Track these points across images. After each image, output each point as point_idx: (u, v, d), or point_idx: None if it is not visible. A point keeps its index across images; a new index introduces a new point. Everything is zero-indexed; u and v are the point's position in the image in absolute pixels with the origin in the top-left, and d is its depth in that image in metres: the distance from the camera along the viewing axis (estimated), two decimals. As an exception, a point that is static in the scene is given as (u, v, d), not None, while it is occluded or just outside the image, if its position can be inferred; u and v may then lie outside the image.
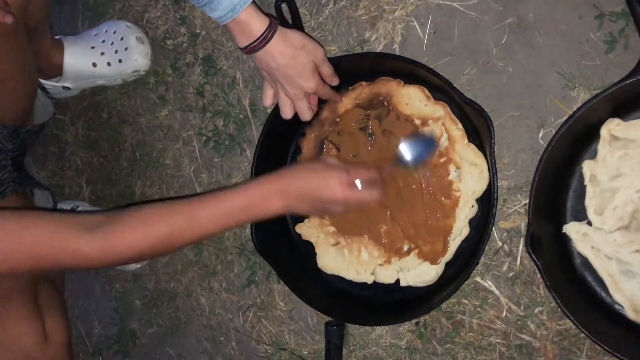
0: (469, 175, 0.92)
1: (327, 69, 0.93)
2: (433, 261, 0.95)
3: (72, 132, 1.36)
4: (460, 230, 0.94)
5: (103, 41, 1.22)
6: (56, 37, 1.22)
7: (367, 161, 0.98)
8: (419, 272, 0.96)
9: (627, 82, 0.80)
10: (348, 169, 0.87)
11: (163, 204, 0.84)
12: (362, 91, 1.00)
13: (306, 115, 0.96)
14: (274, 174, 0.86)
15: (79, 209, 1.24)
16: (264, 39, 0.86)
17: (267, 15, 0.87)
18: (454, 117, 0.93)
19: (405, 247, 0.97)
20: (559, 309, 0.85)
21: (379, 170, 0.92)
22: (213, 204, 0.83)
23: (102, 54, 1.22)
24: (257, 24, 0.85)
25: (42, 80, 1.22)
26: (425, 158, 0.94)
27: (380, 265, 0.98)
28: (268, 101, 0.97)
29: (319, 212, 0.90)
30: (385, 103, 0.98)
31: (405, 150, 0.95)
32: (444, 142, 0.94)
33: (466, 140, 0.93)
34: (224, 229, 0.85)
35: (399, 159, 0.95)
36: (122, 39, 1.21)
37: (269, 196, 0.84)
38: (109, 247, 0.79)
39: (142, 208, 0.83)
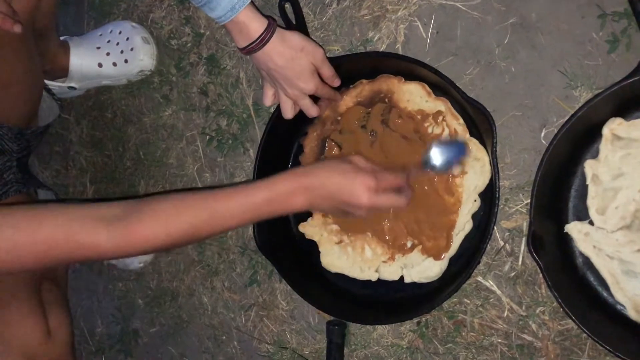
0: (471, 169, 0.92)
1: (327, 71, 0.93)
2: (437, 257, 0.95)
3: (76, 132, 1.37)
4: (463, 225, 0.94)
5: (108, 41, 1.23)
6: (61, 38, 1.23)
7: (395, 165, 0.95)
8: (423, 268, 0.96)
9: (629, 81, 0.80)
10: (377, 174, 0.84)
11: (185, 195, 0.82)
12: (363, 89, 1.00)
13: (312, 111, 0.96)
14: (300, 170, 0.85)
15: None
16: (262, 40, 0.86)
17: (266, 16, 0.87)
18: (455, 112, 0.94)
19: (409, 244, 0.97)
20: (561, 309, 0.85)
21: (406, 175, 0.90)
22: (237, 197, 0.81)
23: (108, 54, 1.22)
24: (256, 25, 0.86)
25: (47, 81, 1.23)
26: (454, 164, 0.92)
27: (384, 262, 0.98)
28: (268, 101, 0.97)
29: (340, 213, 0.87)
30: (387, 100, 0.98)
31: (436, 155, 0.92)
32: (445, 136, 0.94)
33: (468, 135, 0.93)
34: (247, 223, 0.84)
35: (426, 163, 0.92)
36: (127, 39, 1.22)
37: (294, 192, 0.82)
38: (129, 241, 0.77)
39: (163, 199, 0.81)
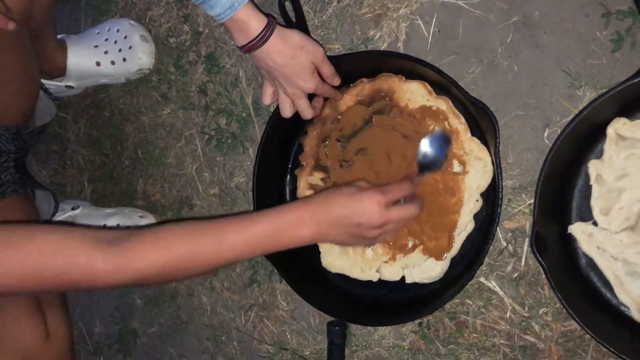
0: (473, 169, 0.92)
1: (327, 69, 0.92)
2: (438, 257, 0.94)
3: (74, 131, 1.35)
4: (465, 225, 0.93)
5: (106, 40, 1.22)
6: (59, 36, 1.22)
7: (394, 178, 0.95)
8: (424, 269, 0.95)
9: (634, 81, 0.79)
10: (382, 189, 0.83)
11: (187, 222, 0.79)
12: (363, 88, 0.99)
13: (306, 113, 0.95)
14: (306, 200, 0.82)
15: (79, 209, 1.24)
16: (262, 39, 0.85)
17: (266, 14, 0.86)
18: (456, 111, 0.93)
19: (410, 244, 0.96)
20: (564, 310, 0.84)
21: (410, 183, 0.88)
22: (240, 227, 0.78)
23: (106, 52, 1.21)
24: (255, 23, 0.85)
25: (44, 80, 1.22)
26: (445, 156, 0.92)
27: (385, 262, 0.98)
28: (267, 99, 0.97)
29: (355, 240, 0.84)
30: (387, 99, 0.97)
31: (425, 156, 0.92)
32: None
33: (469, 134, 0.92)
34: (250, 256, 0.80)
35: (422, 167, 0.93)
36: (125, 37, 1.21)
37: (300, 223, 0.79)
38: (126, 264, 0.72)
39: (166, 226, 0.78)
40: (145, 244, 0.74)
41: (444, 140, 0.92)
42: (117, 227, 1.20)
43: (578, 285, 0.87)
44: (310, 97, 0.96)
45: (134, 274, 0.73)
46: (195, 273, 0.80)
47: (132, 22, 1.22)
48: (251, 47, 0.87)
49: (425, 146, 0.92)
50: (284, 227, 0.79)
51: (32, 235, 0.72)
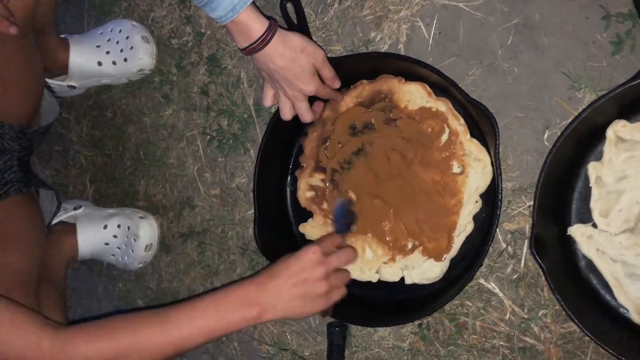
0: (472, 170, 0.92)
1: (327, 72, 0.93)
2: (437, 258, 0.94)
3: (76, 131, 1.36)
4: (464, 226, 0.93)
5: (108, 40, 1.22)
6: (62, 36, 1.22)
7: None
8: (423, 270, 0.96)
9: (634, 83, 0.79)
10: (315, 243, 0.86)
11: (132, 314, 0.81)
12: (363, 89, 1.00)
13: (306, 116, 0.96)
14: (247, 280, 0.84)
15: (81, 209, 1.24)
16: (263, 41, 0.86)
17: (267, 17, 0.87)
18: (455, 112, 0.93)
19: (410, 245, 0.96)
20: (563, 312, 0.84)
21: (337, 236, 0.92)
22: (186, 317, 0.79)
23: (108, 52, 1.22)
24: (256, 26, 0.85)
25: (47, 80, 1.22)
26: (345, 223, 0.97)
27: (385, 263, 0.98)
28: (268, 101, 0.97)
29: (306, 302, 0.83)
30: (387, 100, 0.98)
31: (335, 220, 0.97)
32: (445, 137, 0.93)
33: (468, 135, 0.92)
34: (200, 344, 0.81)
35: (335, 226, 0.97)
36: (127, 38, 1.21)
37: (246, 302, 0.81)
38: (71, 349, 0.76)
39: (110, 318, 0.81)
40: (89, 333, 0.77)
41: (343, 209, 0.97)
42: (118, 228, 1.20)
43: (577, 287, 0.87)
44: (312, 99, 0.96)
45: (80, 354, 0.76)
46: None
47: (134, 23, 1.23)
48: (252, 49, 0.87)
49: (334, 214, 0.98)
50: (229, 311, 0.80)
51: None
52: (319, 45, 0.93)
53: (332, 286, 0.85)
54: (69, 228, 1.21)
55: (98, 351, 0.76)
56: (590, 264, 0.87)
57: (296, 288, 0.82)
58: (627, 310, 0.84)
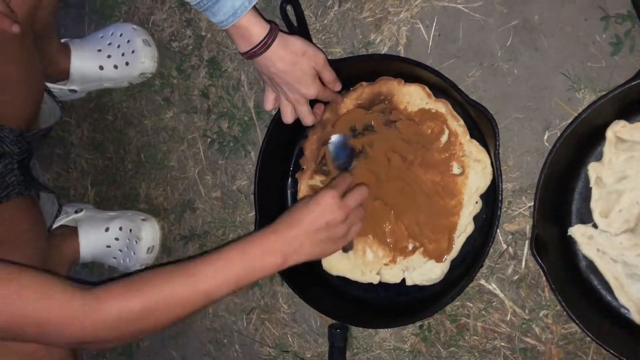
0: (472, 171, 0.92)
1: (328, 75, 0.93)
2: (438, 259, 0.95)
3: (77, 134, 1.36)
4: (464, 227, 0.93)
5: (110, 44, 1.22)
6: (62, 40, 1.22)
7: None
8: (424, 271, 0.96)
9: (633, 84, 0.79)
10: (329, 186, 0.88)
11: (159, 269, 0.81)
12: (362, 91, 1.00)
13: (308, 119, 0.96)
14: (270, 227, 0.85)
15: (82, 212, 1.24)
16: (264, 45, 0.86)
17: (268, 21, 0.87)
18: (455, 114, 0.93)
19: (410, 246, 0.97)
20: (564, 313, 0.84)
21: (349, 175, 0.94)
22: (212, 269, 0.80)
23: (109, 56, 1.22)
24: (257, 30, 0.85)
25: (48, 84, 1.22)
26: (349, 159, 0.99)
27: (386, 265, 0.98)
28: (269, 105, 0.97)
29: (327, 245, 0.87)
30: (387, 102, 0.98)
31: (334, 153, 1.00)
32: (444, 138, 0.93)
33: (468, 137, 0.92)
34: (227, 293, 0.81)
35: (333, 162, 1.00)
36: (128, 41, 1.22)
37: (270, 251, 0.82)
38: (103, 306, 0.74)
39: (137, 275, 0.80)
40: (119, 290, 0.76)
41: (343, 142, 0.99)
42: (120, 230, 1.20)
43: (578, 287, 0.87)
44: (312, 101, 0.96)
45: (111, 321, 0.75)
46: (173, 317, 0.80)
47: (135, 26, 1.23)
48: (253, 53, 0.87)
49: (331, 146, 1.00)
50: (255, 260, 0.82)
51: (19, 274, 0.74)
52: (319, 48, 0.93)
53: (351, 224, 0.88)
54: (70, 231, 1.21)
55: (129, 307, 0.76)
56: (591, 265, 0.87)
57: (318, 234, 0.84)
58: (628, 311, 0.84)
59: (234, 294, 1.12)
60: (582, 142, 0.86)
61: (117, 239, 1.21)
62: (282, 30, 0.90)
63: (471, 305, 0.96)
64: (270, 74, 0.91)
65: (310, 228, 0.84)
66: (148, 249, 1.21)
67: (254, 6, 0.85)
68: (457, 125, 0.93)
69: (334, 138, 1.00)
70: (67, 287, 0.75)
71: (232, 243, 0.83)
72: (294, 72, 0.89)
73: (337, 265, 1.01)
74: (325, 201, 0.85)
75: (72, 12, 1.36)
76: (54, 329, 0.74)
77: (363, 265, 0.99)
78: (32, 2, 0.92)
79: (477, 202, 0.93)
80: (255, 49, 0.87)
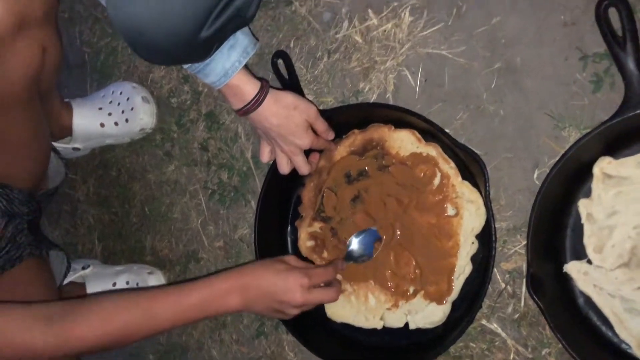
0: (466, 212, 0.93)
1: (321, 125, 0.96)
2: (439, 301, 0.95)
3: (83, 191, 1.40)
4: (463, 268, 0.94)
5: (110, 102, 1.26)
6: (65, 100, 1.26)
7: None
8: (426, 314, 0.96)
9: (615, 120, 0.81)
10: (308, 271, 0.90)
11: (121, 295, 0.87)
12: (355, 139, 1.02)
13: (304, 169, 0.98)
14: (236, 271, 0.90)
15: (90, 268, 1.27)
16: (256, 102, 0.89)
17: (259, 78, 0.90)
18: (446, 156, 0.95)
19: (411, 289, 0.97)
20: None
21: (335, 269, 0.95)
22: (171, 300, 0.86)
23: (110, 114, 1.25)
24: (249, 88, 0.89)
25: (53, 143, 1.26)
26: (372, 250, 0.99)
27: (388, 309, 0.99)
28: (265, 157, 1.00)
29: (274, 314, 0.92)
30: (379, 148, 1.00)
31: (355, 247, 0.99)
32: (437, 180, 0.95)
33: (460, 178, 0.94)
34: (182, 325, 0.88)
35: (349, 256, 0.99)
36: (128, 99, 1.25)
37: (229, 292, 0.87)
38: (65, 341, 0.80)
39: (101, 299, 0.86)
40: (81, 322, 0.82)
41: (374, 237, 0.99)
42: (127, 285, 1.22)
43: (577, 324, 0.87)
44: (307, 151, 0.99)
45: (71, 351, 0.81)
46: (132, 341, 0.87)
47: (134, 84, 1.27)
48: (247, 110, 0.90)
49: (356, 238, 0.99)
50: (213, 297, 0.86)
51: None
52: (310, 101, 0.96)
53: (303, 309, 0.91)
54: (79, 288, 1.23)
55: (91, 336, 0.81)
56: (588, 301, 0.87)
57: (272, 304, 0.88)
58: (629, 346, 0.84)
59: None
60: (571, 179, 0.87)
61: (124, 293, 1.22)
62: (273, 87, 0.93)
63: (474, 345, 0.96)
64: (264, 129, 0.94)
65: (269, 296, 0.88)
66: (154, 302, 1.23)
67: (245, 65, 0.89)
68: (449, 167, 0.95)
69: (367, 234, 1.00)
70: (25, 322, 0.80)
71: (196, 282, 0.88)
72: (288, 125, 0.92)
73: (341, 312, 1.02)
74: (294, 285, 0.87)
75: (74, 72, 1.40)
76: (10, 353, 0.80)
77: (366, 311, 1.00)
78: (38, 64, 0.95)
79: (473, 243, 0.94)
80: (248, 106, 0.90)
